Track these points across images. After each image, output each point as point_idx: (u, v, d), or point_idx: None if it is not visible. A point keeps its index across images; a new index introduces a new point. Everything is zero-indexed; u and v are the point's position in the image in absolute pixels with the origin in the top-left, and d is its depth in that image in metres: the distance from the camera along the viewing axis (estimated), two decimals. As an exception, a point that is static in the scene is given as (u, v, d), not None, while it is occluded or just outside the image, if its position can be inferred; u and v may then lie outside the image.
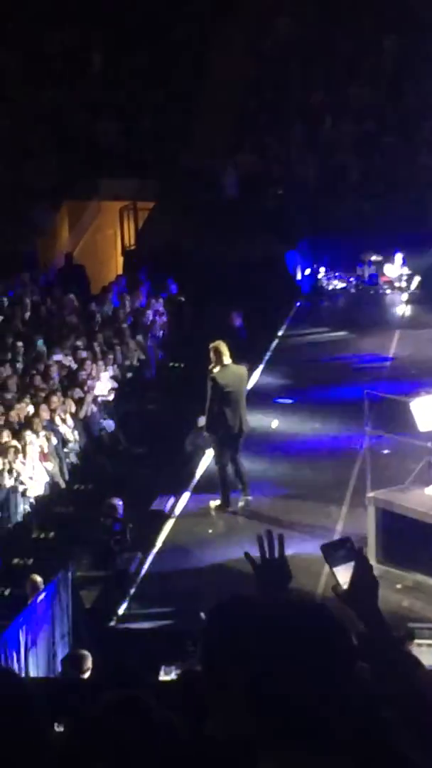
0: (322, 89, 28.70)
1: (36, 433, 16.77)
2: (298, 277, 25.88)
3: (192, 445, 17.78)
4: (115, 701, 3.33)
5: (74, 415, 18.10)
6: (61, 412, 17.84)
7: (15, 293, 22.86)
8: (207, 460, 17.49)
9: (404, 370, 20.52)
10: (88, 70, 29.92)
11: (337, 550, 3.56)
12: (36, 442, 16.65)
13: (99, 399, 18.98)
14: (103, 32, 29.96)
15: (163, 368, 21.74)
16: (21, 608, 12.50)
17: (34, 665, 12.20)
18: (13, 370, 19.11)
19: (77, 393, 18.58)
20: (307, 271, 25.96)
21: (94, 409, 18.63)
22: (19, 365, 19.52)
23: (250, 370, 18.87)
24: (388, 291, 25.27)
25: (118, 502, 15.31)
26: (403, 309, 24.52)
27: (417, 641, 11.22)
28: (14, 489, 15.92)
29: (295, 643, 2.79)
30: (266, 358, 22.17)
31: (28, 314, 21.98)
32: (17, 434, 16.71)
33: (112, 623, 13.77)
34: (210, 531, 15.74)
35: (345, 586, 3.47)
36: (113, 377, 19.90)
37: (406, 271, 25.25)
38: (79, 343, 20.68)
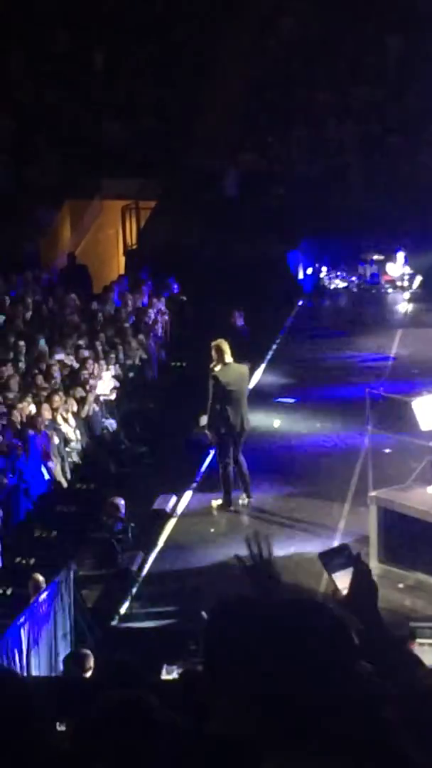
0: (324, 89, 28.70)
1: (38, 432, 16.77)
2: (300, 276, 25.89)
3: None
4: (116, 701, 3.33)
5: (76, 415, 18.10)
6: (63, 412, 17.84)
7: (17, 292, 22.86)
8: (209, 459, 17.49)
9: (406, 370, 20.53)
10: (90, 69, 29.91)
11: (335, 557, 3.57)
12: (38, 441, 16.66)
13: (101, 398, 18.97)
14: (106, 32, 29.96)
15: (165, 367, 21.75)
16: (23, 607, 12.50)
17: (35, 664, 12.20)
18: (15, 369, 19.11)
19: (79, 392, 18.58)
20: (309, 271, 25.98)
21: (96, 408, 18.63)
22: (21, 364, 19.52)
23: (252, 370, 18.87)
24: (390, 290, 25.27)
25: (120, 502, 15.31)
26: (404, 308, 24.52)
27: (419, 641, 11.21)
28: (16, 488, 15.93)
29: (297, 642, 2.79)
30: (268, 357, 22.18)
31: (30, 313, 21.98)
32: (19, 433, 16.72)
33: (114, 622, 13.77)
34: (212, 530, 15.74)
35: (344, 592, 3.48)
36: (115, 376, 19.90)
37: (407, 270, 25.26)
38: (81, 342, 20.69)
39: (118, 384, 19.76)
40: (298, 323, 24.24)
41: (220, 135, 28.02)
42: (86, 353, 19.99)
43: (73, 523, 15.78)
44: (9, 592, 13.95)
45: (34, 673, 12.00)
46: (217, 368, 15.94)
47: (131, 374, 20.63)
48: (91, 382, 18.97)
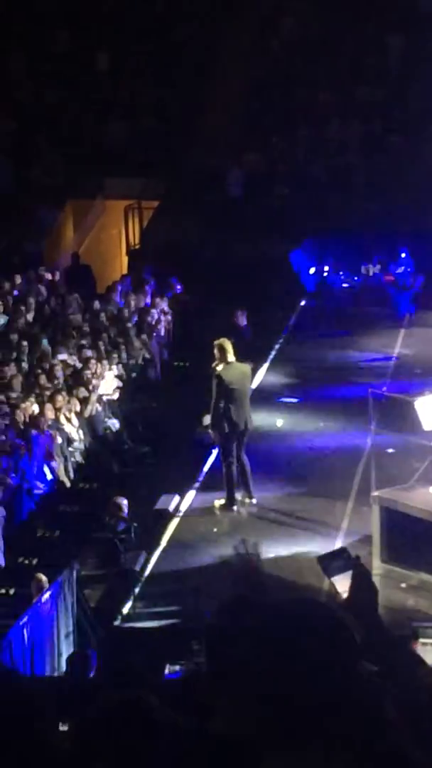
0: (326, 89, 28.69)
1: (41, 432, 16.78)
2: (303, 276, 25.89)
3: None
4: (116, 701, 3.33)
5: (79, 414, 18.11)
6: (65, 411, 17.84)
7: (20, 292, 22.87)
8: (212, 458, 17.50)
9: (408, 369, 20.54)
10: (91, 69, 29.91)
11: (333, 561, 3.57)
12: (41, 441, 16.66)
13: (104, 398, 18.98)
14: (106, 32, 29.96)
15: (168, 367, 21.75)
16: (26, 607, 12.51)
17: (38, 664, 12.20)
18: (18, 369, 19.12)
19: (82, 392, 18.59)
20: (312, 270, 25.97)
21: (99, 408, 18.64)
22: (24, 364, 19.53)
23: (254, 370, 18.87)
24: (393, 290, 25.26)
25: (123, 501, 15.32)
26: (407, 308, 24.51)
27: (422, 640, 11.20)
28: (19, 488, 15.94)
29: (298, 641, 2.79)
30: (271, 357, 22.18)
31: (32, 313, 21.99)
32: (22, 433, 16.73)
33: (117, 622, 13.78)
34: (215, 530, 15.74)
35: (344, 595, 3.47)
36: (118, 376, 19.91)
37: (409, 270, 25.24)
38: (84, 342, 20.70)
39: (120, 384, 19.76)
40: (300, 323, 24.24)
41: (222, 135, 28.03)
42: (89, 353, 20.00)
43: (75, 522, 15.79)
44: (12, 591, 13.97)
45: (37, 672, 12.00)
46: (221, 367, 15.95)
47: (134, 374, 20.63)
48: (94, 381, 18.98)
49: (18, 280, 23.25)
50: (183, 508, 16.50)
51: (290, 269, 25.60)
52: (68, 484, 16.99)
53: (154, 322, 22.39)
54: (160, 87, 29.21)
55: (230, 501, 16.17)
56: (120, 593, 14.30)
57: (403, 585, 13.63)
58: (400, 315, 24.24)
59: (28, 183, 27.85)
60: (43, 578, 13.15)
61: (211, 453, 17.52)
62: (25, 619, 12.05)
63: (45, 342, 20.57)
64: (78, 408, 18.17)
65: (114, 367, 20.02)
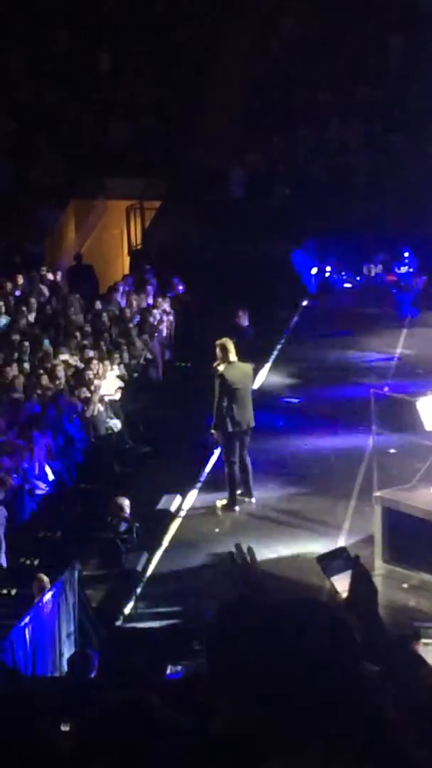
0: (326, 89, 28.70)
1: (42, 432, 16.80)
2: (305, 276, 25.89)
3: None
4: (119, 701, 3.34)
5: (81, 415, 18.12)
6: (67, 412, 17.85)
7: (22, 293, 22.88)
8: (213, 458, 17.50)
9: (410, 370, 20.54)
10: (91, 69, 29.92)
11: (333, 560, 3.56)
12: (43, 441, 16.67)
13: (105, 398, 18.99)
14: (107, 32, 29.97)
15: (170, 367, 21.75)
16: (27, 607, 12.52)
17: (40, 665, 12.21)
18: (19, 369, 19.13)
19: (84, 392, 18.60)
20: (314, 271, 25.97)
21: (101, 408, 18.64)
22: (26, 365, 19.54)
23: (256, 370, 18.87)
24: (395, 290, 25.26)
25: (125, 502, 15.32)
26: (409, 309, 24.50)
27: (423, 640, 11.20)
28: (21, 488, 15.95)
29: (298, 641, 2.80)
30: (272, 357, 22.18)
31: (34, 314, 22.00)
32: (24, 433, 16.74)
33: (119, 622, 13.78)
34: (217, 530, 15.74)
35: (344, 595, 3.47)
36: (120, 377, 19.92)
37: (411, 270, 25.24)
38: (85, 342, 20.70)
39: (122, 384, 19.77)
40: (302, 323, 24.24)
41: (222, 135, 28.04)
42: (91, 353, 20.01)
43: (77, 523, 15.80)
44: (14, 592, 13.97)
45: (39, 673, 12.00)
46: (223, 367, 15.96)
47: (136, 374, 20.64)
48: (96, 382, 18.99)
49: (20, 280, 23.26)
50: (185, 508, 16.51)
51: (292, 269, 25.60)
52: (70, 485, 17.00)
53: (155, 323, 22.40)
54: (161, 87, 29.22)
55: (232, 501, 16.17)
56: (121, 593, 14.31)
57: (405, 585, 13.64)
58: (401, 315, 24.23)
59: (28, 183, 27.86)
60: (45, 579, 13.16)
61: (212, 453, 17.53)
62: (26, 620, 12.05)
63: (47, 342, 20.58)
64: (80, 408, 18.18)
65: (116, 367, 20.02)
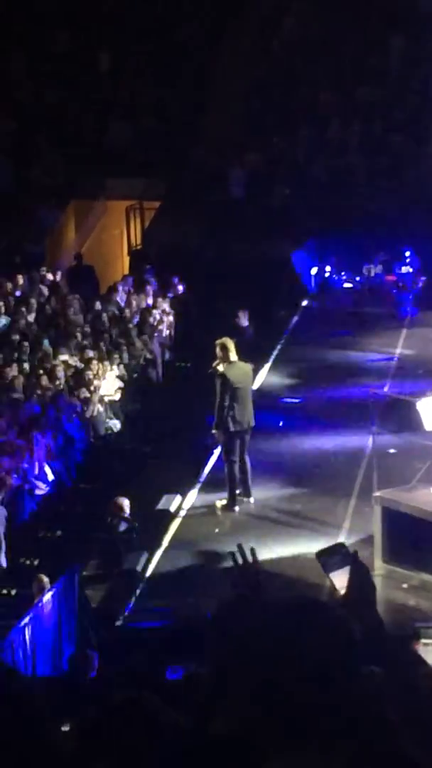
0: (327, 89, 28.70)
1: (42, 432, 16.80)
2: (305, 276, 25.89)
3: None
4: (119, 701, 3.34)
5: (80, 415, 18.12)
6: (67, 412, 17.85)
7: (22, 293, 22.87)
8: (213, 459, 17.51)
9: (410, 370, 20.54)
10: (91, 69, 29.93)
11: (331, 556, 3.56)
12: (43, 441, 16.68)
13: (105, 398, 18.99)
14: (107, 31, 29.97)
15: (170, 368, 21.75)
16: (27, 608, 12.52)
17: (40, 665, 12.21)
18: (19, 369, 19.13)
19: (84, 392, 18.60)
20: (314, 271, 25.97)
21: (101, 408, 18.65)
22: (26, 365, 19.54)
23: (256, 370, 18.88)
24: (395, 290, 25.27)
25: (125, 502, 15.32)
26: (409, 308, 24.51)
27: (423, 641, 11.21)
28: (21, 488, 15.95)
29: (298, 641, 2.80)
30: (272, 357, 22.18)
31: (34, 314, 21.99)
32: (24, 434, 16.75)
33: (119, 622, 13.78)
34: (216, 530, 15.74)
35: (342, 592, 3.47)
36: (119, 377, 19.92)
37: (411, 270, 25.25)
38: (85, 342, 20.71)
39: (122, 384, 19.77)
40: (302, 323, 24.24)
41: (222, 135, 28.04)
42: (91, 354, 20.01)
43: (77, 523, 15.81)
44: (14, 592, 13.99)
45: (39, 673, 12.01)
46: (224, 366, 15.97)
47: (135, 374, 20.64)
48: (96, 382, 18.99)
49: (20, 280, 23.26)
50: (185, 508, 16.51)
51: (292, 269, 25.61)
52: (70, 485, 17.01)
53: (155, 323, 22.40)
54: (161, 87, 29.21)
55: (232, 501, 16.17)
56: (121, 593, 14.31)
57: (405, 585, 13.64)
58: (401, 315, 24.23)
59: (28, 183, 27.86)
60: (45, 579, 13.16)
61: (212, 453, 17.54)
62: (26, 620, 12.06)
63: (46, 342, 20.58)
64: (79, 408, 18.19)
65: (115, 367, 20.03)
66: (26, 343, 20.21)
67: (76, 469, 17.40)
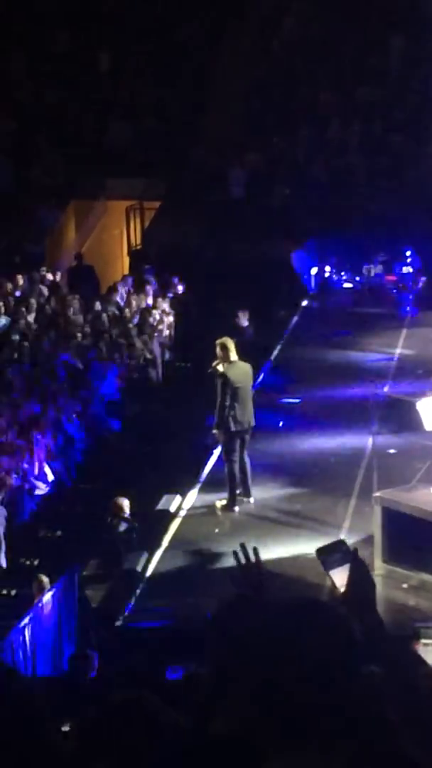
0: (327, 89, 28.70)
1: (42, 432, 16.80)
2: (305, 276, 25.90)
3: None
4: (120, 701, 3.34)
5: (81, 415, 18.12)
6: (67, 412, 17.85)
7: (22, 293, 22.88)
8: (213, 459, 17.51)
9: (410, 370, 20.54)
10: (91, 69, 29.93)
11: (332, 554, 3.55)
12: (42, 441, 16.70)
13: (105, 399, 18.99)
14: (107, 31, 29.97)
15: (170, 368, 21.75)
16: (27, 608, 12.52)
17: (40, 665, 12.21)
18: (19, 369, 19.13)
19: (83, 393, 18.60)
20: (314, 271, 25.97)
21: (101, 408, 18.64)
22: (26, 365, 19.54)
23: (255, 370, 18.88)
24: (395, 290, 25.27)
25: (125, 502, 15.32)
26: (409, 308, 24.51)
27: (423, 641, 11.21)
28: (21, 488, 15.95)
29: (299, 641, 2.80)
30: (272, 357, 22.18)
31: (34, 314, 22.00)
32: (24, 434, 16.74)
33: (119, 623, 13.78)
34: (216, 530, 15.74)
35: (342, 589, 3.47)
36: (119, 377, 19.92)
37: (411, 270, 25.25)
38: (85, 342, 20.70)
39: (122, 384, 19.76)
40: (302, 323, 24.24)
41: (222, 135, 28.05)
42: (91, 354, 20.01)
43: (77, 523, 15.80)
44: (13, 592, 13.98)
45: (39, 673, 12.01)
46: (224, 366, 15.99)
47: (136, 375, 20.63)
48: (96, 382, 18.99)
49: (20, 280, 23.26)
50: (185, 508, 16.51)
51: (292, 269, 25.60)
52: (69, 485, 17.00)
53: (155, 323, 22.40)
54: (161, 87, 29.22)
55: (232, 501, 16.18)
56: (121, 593, 14.31)
57: (405, 585, 13.64)
58: (401, 315, 24.23)
59: (28, 183, 27.86)
60: (45, 579, 13.16)
61: (212, 453, 17.54)
62: (26, 620, 12.06)
63: (46, 343, 20.58)
64: (80, 408, 18.18)
65: (115, 367, 20.02)
66: (26, 343, 20.21)
67: (76, 469, 17.40)
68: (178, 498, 16.59)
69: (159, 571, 14.87)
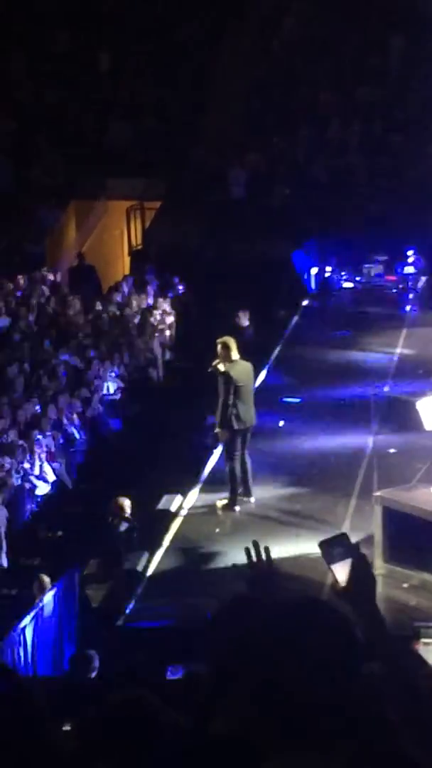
0: (327, 89, 28.70)
1: (43, 432, 16.81)
2: (305, 276, 25.89)
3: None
4: (120, 701, 3.35)
5: (81, 415, 18.13)
6: (68, 412, 17.86)
7: (22, 293, 22.88)
8: (214, 458, 17.51)
9: (410, 370, 20.53)
10: (91, 69, 29.92)
11: (334, 547, 3.54)
12: (43, 441, 16.71)
13: (106, 398, 19.00)
14: (107, 31, 29.97)
15: (170, 368, 21.75)
16: (28, 608, 12.52)
17: (41, 665, 12.21)
18: (20, 370, 19.13)
19: (84, 393, 18.60)
20: (314, 271, 25.96)
21: (101, 408, 18.65)
22: (26, 365, 19.55)
23: (255, 370, 18.88)
24: (395, 290, 25.26)
25: (125, 502, 15.32)
26: (409, 308, 24.51)
27: (423, 640, 11.21)
28: (21, 488, 15.95)
29: (301, 641, 2.80)
30: (273, 357, 22.17)
31: (35, 314, 22.00)
32: (24, 434, 16.75)
33: (119, 622, 13.79)
34: (217, 530, 15.75)
35: (343, 583, 3.46)
36: (120, 377, 19.92)
37: (412, 270, 25.24)
38: (86, 342, 20.71)
39: (123, 384, 19.77)
40: (302, 323, 24.23)
41: (223, 135, 28.04)
42: (91, 353, 20.01)
43: (78, 523, 15.81)
44: (14, 592, 13.98)
45: (40, 673, 12.01)
46: (227, 365, 16.01)
47: (136, 375, 20.64)
48: (96, 382, 19.00)
49: (20, 280, 23.27)
50: (185, 508, 16.51)
51: (292, 269, 25.59)
52: (70, 485, 17.01)
53: (156, 323, 22.40)
54: (161, 87, 29.21)
55: (233, 501, 16.18)
56: (122, 593, 14.31)
57: (405, 585, 13.64)
58: (401, 315, 24.23)
59: (28, 183, 27.86)
60: (46, 579, 13.17)
61: (212, 453, 17.54)
62: (27, 620, 12.06)
63: (47, 343, 20.59)
64: (80, 408, 18.19)
65: (116, 367, 20.03)
66: (26, 343, 20.21)
67: (77, 469, 17.41)
68: (178, 498, 16.59)
69: (159, 571, 14.88)
